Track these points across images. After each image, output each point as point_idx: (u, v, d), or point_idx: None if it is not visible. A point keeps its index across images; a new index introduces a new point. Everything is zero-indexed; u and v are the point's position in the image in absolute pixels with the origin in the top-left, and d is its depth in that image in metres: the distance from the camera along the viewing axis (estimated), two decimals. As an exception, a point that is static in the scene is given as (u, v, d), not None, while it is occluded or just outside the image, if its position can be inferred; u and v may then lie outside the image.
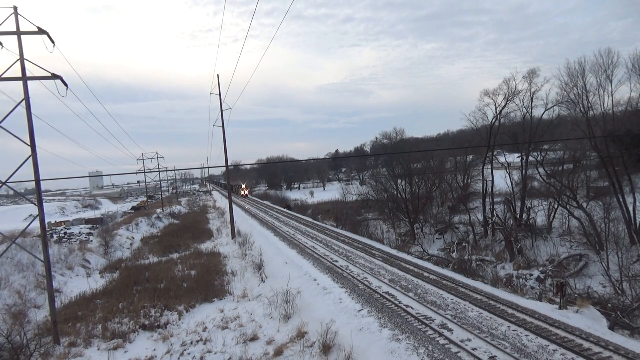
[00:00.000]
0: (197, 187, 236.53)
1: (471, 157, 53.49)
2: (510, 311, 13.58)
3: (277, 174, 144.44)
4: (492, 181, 42.66)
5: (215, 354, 14.16)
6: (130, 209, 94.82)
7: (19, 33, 16.04)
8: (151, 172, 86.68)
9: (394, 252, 25.57)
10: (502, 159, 46.36)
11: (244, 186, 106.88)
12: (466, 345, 11.26)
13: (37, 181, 16.33)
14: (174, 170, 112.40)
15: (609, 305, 18.58)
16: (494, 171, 43.62)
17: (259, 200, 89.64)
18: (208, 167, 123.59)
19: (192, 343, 15.35)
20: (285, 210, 62.56)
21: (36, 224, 17.60)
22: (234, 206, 42.65)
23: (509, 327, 12.33)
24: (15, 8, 15.87)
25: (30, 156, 16.18)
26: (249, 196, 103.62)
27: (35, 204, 16.81)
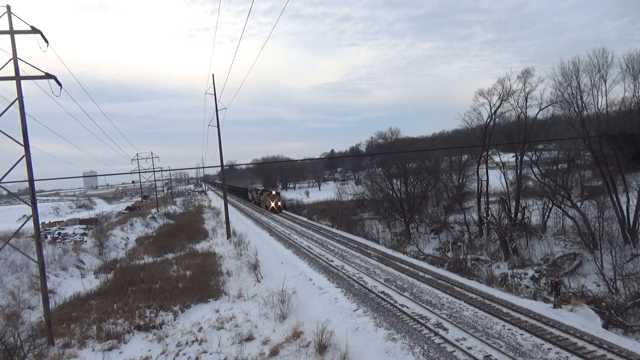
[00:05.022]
0: (192, 187, 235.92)
1: (466, 156, 53.59)
2: (505, 310, 13.64)
3: (273, 174, 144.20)
4: (487, 180, 42.78)
5: (211, 354, 14.13)
6: (125, 209, 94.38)
7: (12, 32, 15.92)
8: (146, 172, 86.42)
9: (389, 251, 25.61)
10: (496, 159, 46.52)
11: (273, 192, 59.66)
12: (461, 344, 11.30)
13: (31, 181, 16.21)
14: (169, 170, 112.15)
15: (603, 303, 18.73)
16: (488, 171, 43.72)
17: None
18: (203, 167, 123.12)
19: (187, 343, 15.31)
20: (281, 209, 62.33)
21: (30, 224, 17.48)
22: (228, 206, 42.53)
23: (503, 325, 12.38)
24: (8, 7, 15.74)
25: (23, 156, 16.07)
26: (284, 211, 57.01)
27: (28, 204, 16.69)
